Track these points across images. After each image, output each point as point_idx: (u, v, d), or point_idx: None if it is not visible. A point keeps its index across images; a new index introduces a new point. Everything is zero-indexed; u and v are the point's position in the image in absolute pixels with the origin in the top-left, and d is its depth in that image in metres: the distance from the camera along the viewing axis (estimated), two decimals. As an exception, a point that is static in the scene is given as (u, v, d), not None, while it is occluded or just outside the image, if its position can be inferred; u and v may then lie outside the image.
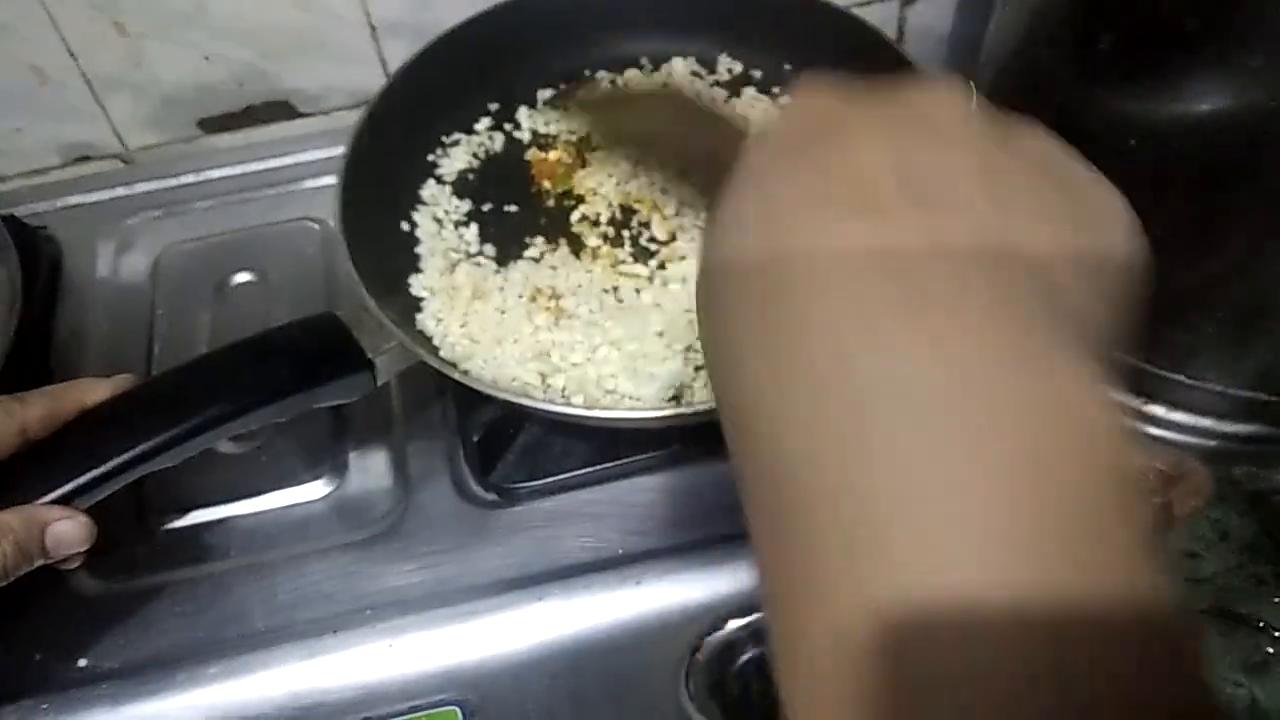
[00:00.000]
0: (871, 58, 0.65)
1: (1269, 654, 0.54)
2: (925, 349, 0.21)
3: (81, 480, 0.45)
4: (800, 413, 0.22)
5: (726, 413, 0.25)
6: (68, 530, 0.44)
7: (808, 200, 0.24)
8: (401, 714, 0.49)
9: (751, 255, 0.24)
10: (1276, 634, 0.54)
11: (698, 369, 0.55)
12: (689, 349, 0.56)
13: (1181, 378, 0.63)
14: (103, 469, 0.45)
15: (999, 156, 0.25)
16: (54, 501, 0.44)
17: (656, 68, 0.72)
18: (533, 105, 0.70)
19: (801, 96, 0.28)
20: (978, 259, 0.22)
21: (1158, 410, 0.67)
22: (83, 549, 0.45)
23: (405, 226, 0.63)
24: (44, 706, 0.49)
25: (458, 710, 0.50)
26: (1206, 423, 0.66)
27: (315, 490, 0.56)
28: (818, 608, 0.21)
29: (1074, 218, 0.24)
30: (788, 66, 0.70)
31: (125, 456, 0.45)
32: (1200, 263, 0.58)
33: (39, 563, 0.44)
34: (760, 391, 0.23)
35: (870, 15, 0.67)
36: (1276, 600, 0.56)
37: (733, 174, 0.27)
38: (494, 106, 0.69)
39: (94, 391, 0.47)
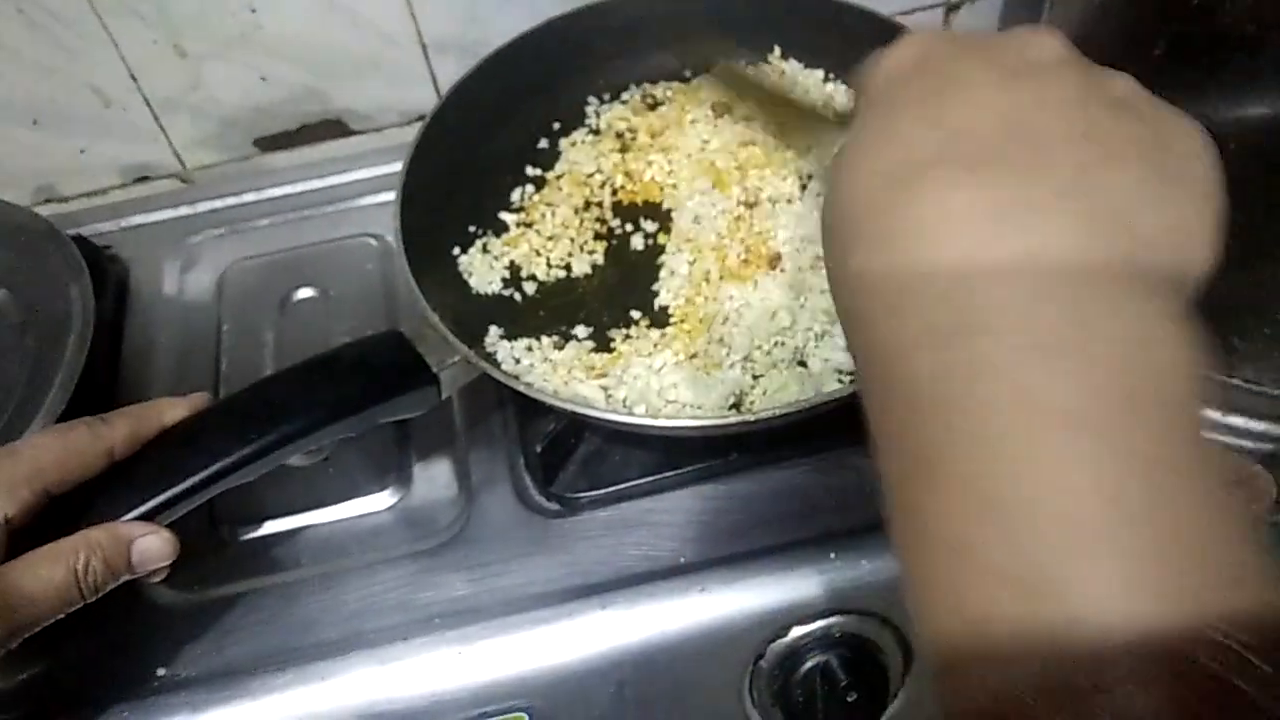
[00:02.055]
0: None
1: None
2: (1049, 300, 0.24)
3: (163, 498, 0.46)
4: (929, 367, 0.25)
5: (865, 382, 0.27)
6: (152, 545, 0.45)
7: (937, 161, 0.26)
8: (472, 720, 0.50)
9: (885, 214, 0.27)
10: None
11: (756, 377, 0.56)
12: (747, 358, 0.56)
13: (1238, 382, 0.63)
14: (183, 486, 0.46)
15: (1098, 105, 0.27)
16: (137, 518, 0.45)
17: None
18: (580, 119, 0.71)
19: (917, 37, 0.31)
20: (1079, 214, 0.25)
21: (1213, 415, 0.66)
22: (166, 563, 0.46)
23: (464, 241, 0.64)
24: (125, 714, 0.50)
25: (525, 716, 0.51)
26: (1261, 426, 0.66)
27: (382, 501, 0.57)
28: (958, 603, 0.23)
29: (1162, 164, 0.26)
30: (832, 76, 0.71)
31: (204, 474, 0.46)
32: (1256, 267, 0.58)
33: (125, 578, 0.45)
34: (899, 369, 0.26)
35: (914, 23, 0.67)
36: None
37: (860, 111, 0.30)
38: (546, 120, 0.71)
39: (172, 411, 0.48)
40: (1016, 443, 0.22)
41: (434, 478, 0.58)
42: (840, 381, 0.55)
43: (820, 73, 0.71)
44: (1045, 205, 0.25)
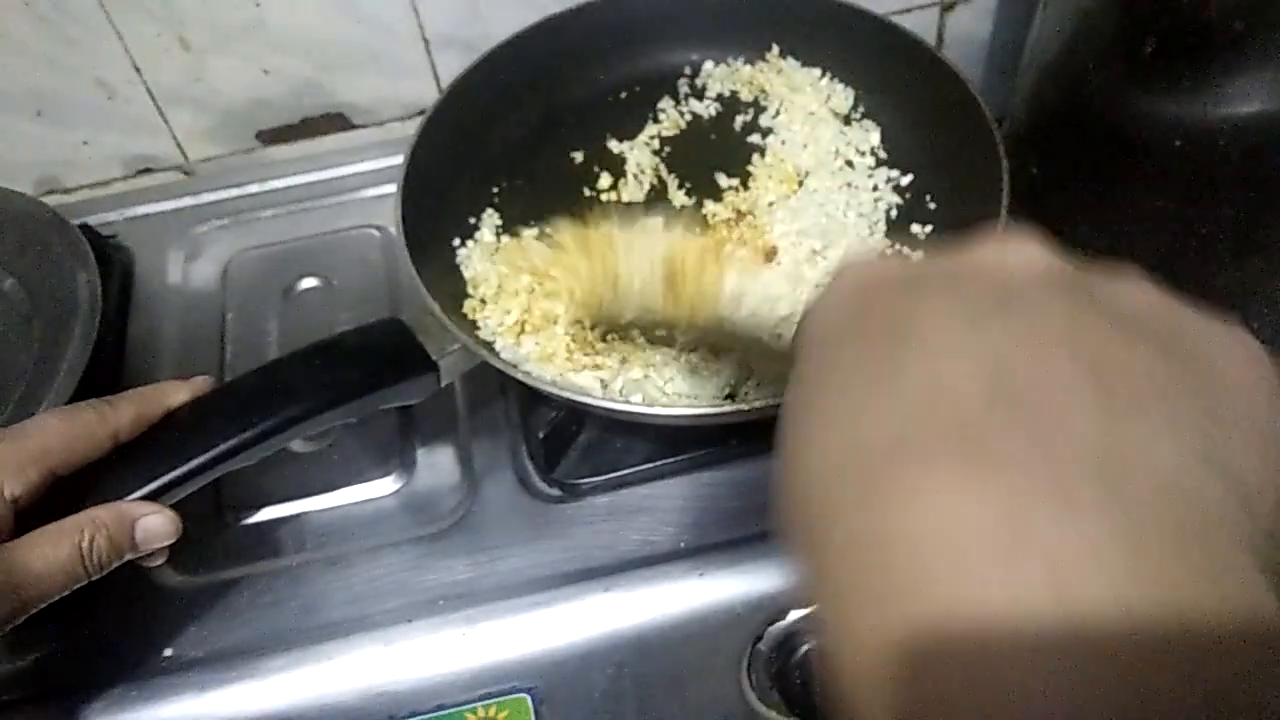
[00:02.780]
0: (911, 64, 0.66)
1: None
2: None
3: (167, 478, 0.46)
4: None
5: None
6: (156, 524, 0.46)
7: (901, 447, 0.20)
8: (474, 701, 0.51)
9: (852, 513, 0.20)
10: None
11: (751, 368, 0.57)
12: (742, 350, 0.57)
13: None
14: (186, 468, 0.47)
15: (1104, 334, 0.21)
16: (142, 499, 0.46)
17: (697, 75, 0.74)
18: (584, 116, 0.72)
19: (849, 272, 0.25)
20: (1097, 498, 0.18)
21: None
22: (170, 542, 0.46)
23: (463, 233, 0.65)
24: (133, 694, 0.50)
25: (528, 698, 0.52)
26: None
27: (385, 486, 0.58)
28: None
29: (1192, 387, 0.20)
30: (829, 75, 0.72)
31: (207, 456, 0.47)
32: (1244, 262, 0.59)
33: (129, 556, 0.45)
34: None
35: (909, 23, 0.68)
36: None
37: (794, 373, 0.24)
38: (545, 115, 0.71)
39: (176, 394, 0.49)
40: None
41: (437, 464, 0.59)
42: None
43: (817, 71, 0.72)
44: (1067, 503, 0.18)
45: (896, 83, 0.68)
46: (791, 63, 0.73)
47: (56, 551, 0.43)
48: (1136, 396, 0.20)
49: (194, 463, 0.47)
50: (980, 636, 0.18)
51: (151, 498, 0.46)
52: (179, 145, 0.79)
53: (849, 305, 0.24)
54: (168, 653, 0.52)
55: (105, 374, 0.63)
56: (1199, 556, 0.18)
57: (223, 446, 0.47)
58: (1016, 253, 0.23)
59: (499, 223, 0.66)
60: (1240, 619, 0.17)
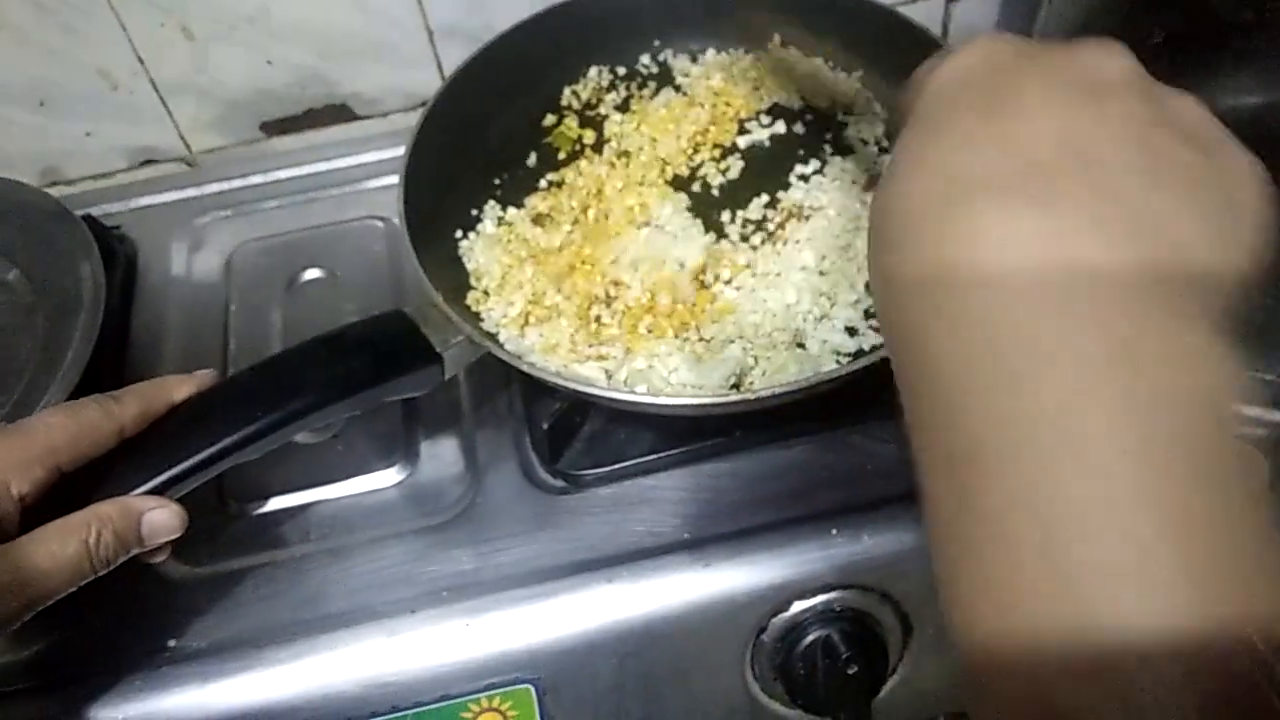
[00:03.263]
0: (917, 55, 0.66)
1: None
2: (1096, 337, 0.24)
3: (172, 473, 0.46)
4: (983, 397, 0.25)
5: (905, 380, 0.28)
6: (162, 519, 0.46)
7: (990, 180, 0.26)
8: (478, 692, 0.51)
9: (934, 225, 0.27)
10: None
11: (755, 359, 0.57)
12: (746, 339, 0.57)
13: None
14: (191, 462, 0.47)
15: (1155, 125, 0.27)
16: (147, 493, 0.46)
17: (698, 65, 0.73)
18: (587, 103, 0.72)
19: (979, 44, 0.31)
20: (1128, 236, 0.25)
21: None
22: (175, 536, 0.46)
23: (466, 224, 0.65)
24: (137, 684, 0.51)
25: (531, 688, 0.52)
26: (1255, 412, 0.67)
27: (389, 478, 0.58)
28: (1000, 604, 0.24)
29: (1213, 189, 0.27)
30: (830, 65, 0.72)
31: (212, 450, 0.47)
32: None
33: (135, 550, 0.45)
34: (945, 373, 0.26)
35: (914, 14, 0.68)
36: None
37: (914, 116, 0.30)
38: (547, 105, 0.71)
39: (180, 388, 0.49)
40: (1062, 456, 0.23)
41: (441, 455, 0.59)
42: (838, 362, 0.56)
43: (820, 60, 0.72)
44: (1095, 230, 0.25)
45: (902, 74, 0.67)
46: (794, 53, 0.73)
47: (63, 548, 0.43)
48: (1175, 181, 0.26)
49: (199, 457, 0.47)
50: (1009, 288, 0.25)
51: (157, 492, 0.46)
52: (182, 136, 0.79)
53: (971, 67, 0.30)
54: (171, 643, 0.52)
55: (109, 364, 0.63)
56: (1180, 300, 0.25)
57: (228, 440, 0.47)
58: (1112, 59, 0.29)
59: (501, 214, 0.65)
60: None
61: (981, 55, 0.30)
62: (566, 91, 0.72)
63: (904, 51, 0.66)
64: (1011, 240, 0.25)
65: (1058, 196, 0.25)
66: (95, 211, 0.73)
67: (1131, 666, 0.21)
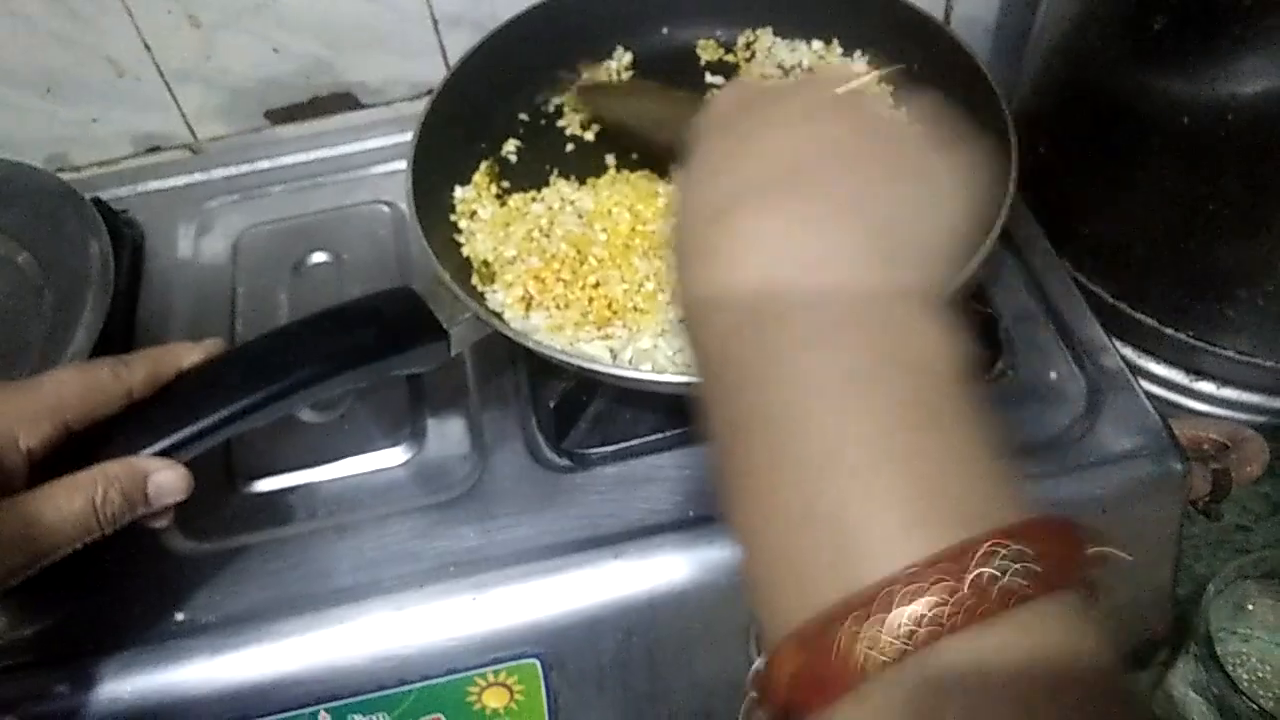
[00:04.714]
0: (919, 41, 0.67)
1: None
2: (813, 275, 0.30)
3: (179, 436, 0.47)
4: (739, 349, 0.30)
5: (693, 351, 0.32)
6: (168, 479, 0.46)
7: (743, 193, 0.32)
8: (484, 666, 0.51)
9: (705, 239, 0.32)
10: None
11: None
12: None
13: (1231, 353, 0.64)
14: (199, 426, 0.47)
15: (868, 140, 0.34)
16: (154, 455, 0.46)
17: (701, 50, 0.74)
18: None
19: (730, 89, 0.38)
20: (854, 227, 0.31)
21: (1207, 386, 0.68)
22: (181, 499, 0.47)
23: (471, 209, 0.65)
24: (145, 656, 0.51)
25: (537, 663, 0.52)
26: (1255, 398, 0.67)
27: (395, 456, 0.58)
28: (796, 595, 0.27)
29: (922, 186, 0.33)
30: (838, 51, 0.72)
31: (219, 415, 0.47)
32: (1250, 239, 0.59)
33: (141, 511, 0.46)
34: (721, 358, 0.31)
35: (917, 3, 0.69)
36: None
37: (692, 148, 0.35)
38: (551, 92, 0.72)
39: (189, 355, 0.49)
40: (808, 410, 0.27)
41: (447, 434, 0.59)
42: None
43: (822, 45, 0.72)
44: (825, 223, 0.30)
45: (904, 59, 0.68)
46: (797, 40, 0.73)
47: (70, 503, 0.43)
48: (882, 175, 0.32)
49: (206, 421, 0.47)
50: (762, 278, 0.30)
51: (164, 454, 0.46)
52: (188, 124, 0.80)
53: (728, 107, 0.36)
54: (179, 617, 0.52)
55: (116, 347, 0.63)
56: (896, 273, 0.30)
57: (235, 406, 0.48)
58: (818, 90, 0.36)
59: (505, 199, 0.66)
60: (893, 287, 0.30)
61: (734, 94, 0.37)
62: (570, 79, 0.72)
63: (907, 37, 0.67)
64: (759, 243, 0.30)
65: (794, 200, 0.31)
66: (103, 196, 0.73)
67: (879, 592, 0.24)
